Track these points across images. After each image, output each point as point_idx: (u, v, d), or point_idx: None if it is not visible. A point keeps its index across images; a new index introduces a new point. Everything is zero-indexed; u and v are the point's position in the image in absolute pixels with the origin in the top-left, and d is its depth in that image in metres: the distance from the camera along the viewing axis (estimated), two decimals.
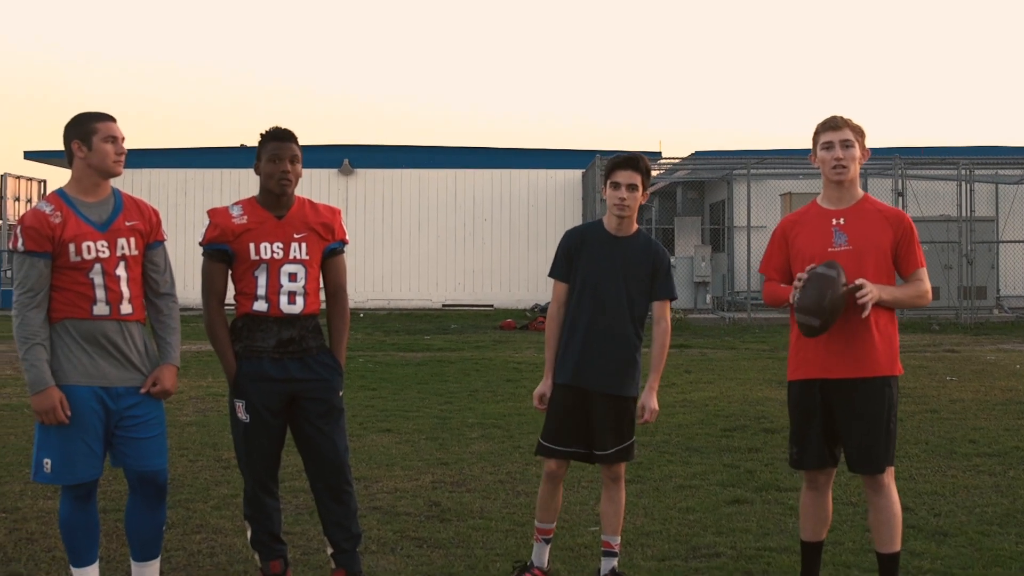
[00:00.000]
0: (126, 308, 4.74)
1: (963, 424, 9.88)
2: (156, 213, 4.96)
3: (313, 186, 28.61)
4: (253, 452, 5.10)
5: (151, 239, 4.88)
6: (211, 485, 7.38)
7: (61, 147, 4.81)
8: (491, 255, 30.06)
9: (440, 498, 7.04)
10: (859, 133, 4.94)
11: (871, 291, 4.67)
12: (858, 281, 4.70)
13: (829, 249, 4.86)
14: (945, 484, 7.42)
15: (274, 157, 5.00)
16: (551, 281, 5.45)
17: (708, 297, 26.43)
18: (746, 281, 24.90)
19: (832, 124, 4.92)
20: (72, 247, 4.63)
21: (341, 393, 5.21)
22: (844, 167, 4.88)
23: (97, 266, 4.66)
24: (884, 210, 4.97)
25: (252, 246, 5.00)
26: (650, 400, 5.29)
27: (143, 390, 4.79)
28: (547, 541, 5.46)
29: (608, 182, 5.32)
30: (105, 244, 4.69)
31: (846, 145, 4.88)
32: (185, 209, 28.67)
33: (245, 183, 28.24)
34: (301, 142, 5.11)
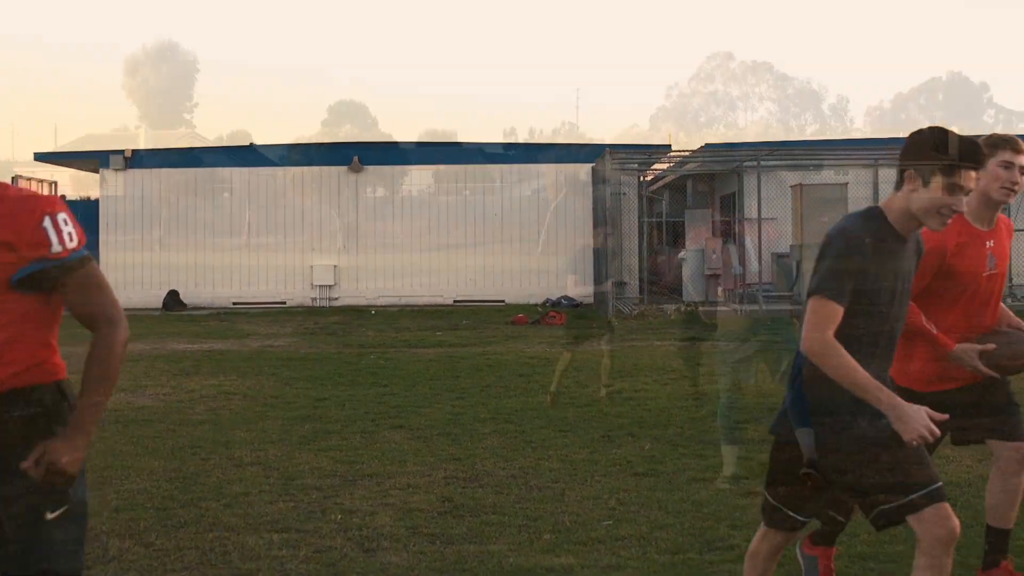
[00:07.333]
0: None
1: None
2: None
3: (323, 184, 28.63)
4: None
5: None
6: (223, 483, 7.38)
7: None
8: (502, 250, 29.97)
9: (453, 494, 7.03)
10: None
11: None
12: None
13: (984, 274, 4.77)
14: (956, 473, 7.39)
15: None
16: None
17: (719, 290, 26.33)
18: (757, 274, 24.84)
19: (1017, 146, 4.70)
20: None
21: None
22: (1015, 192, 4.73)
23: None
24: (1008, 224, 4.95)
25: None
26: None
27: None
28: None
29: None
30: None
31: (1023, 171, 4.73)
32: None
33: None
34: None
